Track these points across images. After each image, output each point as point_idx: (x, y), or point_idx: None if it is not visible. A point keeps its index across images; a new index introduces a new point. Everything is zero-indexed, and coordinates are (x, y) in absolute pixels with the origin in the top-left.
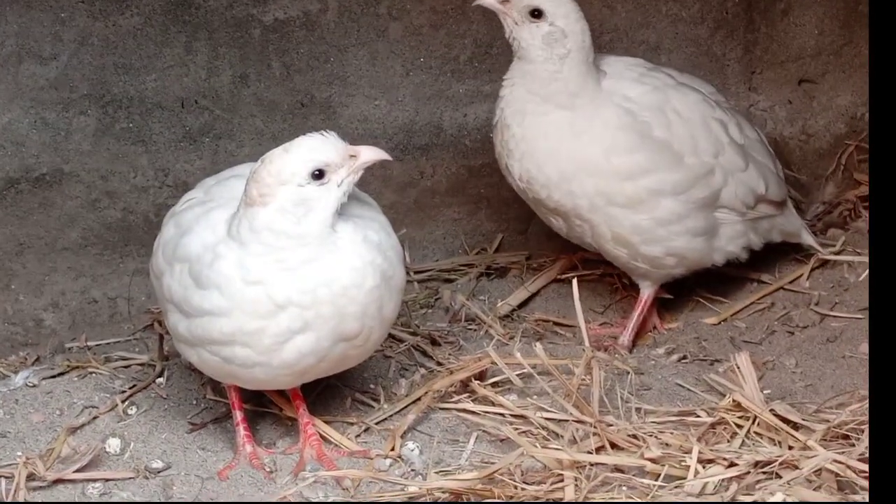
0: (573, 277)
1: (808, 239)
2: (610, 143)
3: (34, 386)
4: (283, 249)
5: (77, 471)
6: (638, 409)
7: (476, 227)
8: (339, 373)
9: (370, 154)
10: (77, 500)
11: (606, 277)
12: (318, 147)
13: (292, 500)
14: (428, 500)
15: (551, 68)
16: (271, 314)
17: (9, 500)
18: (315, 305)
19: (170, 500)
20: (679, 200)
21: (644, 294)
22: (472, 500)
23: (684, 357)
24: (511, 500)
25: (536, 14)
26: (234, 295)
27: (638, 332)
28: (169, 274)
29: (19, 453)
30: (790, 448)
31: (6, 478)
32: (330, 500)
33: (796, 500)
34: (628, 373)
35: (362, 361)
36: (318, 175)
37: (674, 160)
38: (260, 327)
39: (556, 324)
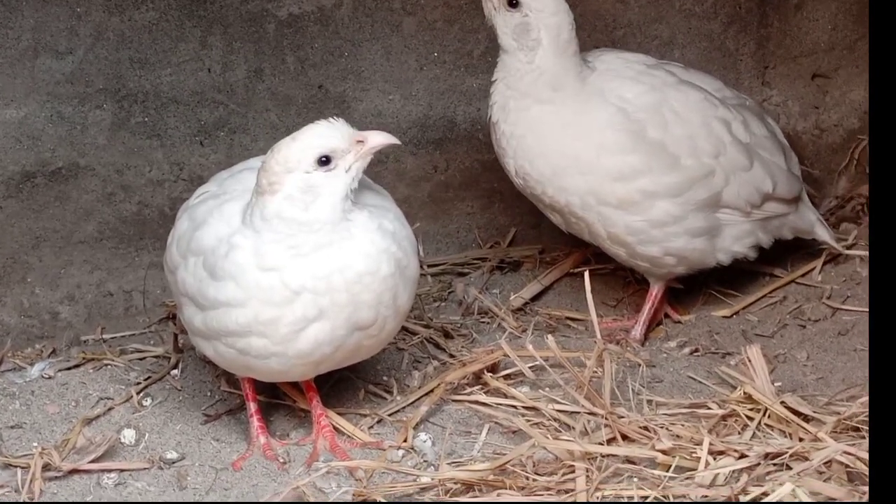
0: (585, 271)
1: (823, 234)
2: (600, 142)
3: (50, 378)
4: (294, 236)
5: (92, 461)
6: (649, 402)
7: (489, 220)
8: (352, 365)
9: (378, 139)
10: (92, 489)
11: (619, 271)
12: (323, 133)
13: (305, 490)
14: (440, 491)
15: (523, 58)
16: (287, 301)
17: (25, 489)
18: (329, 292)
19: (184, 490)
20: (676, 202)
21: (654, 288)
22: (484, 490)
23: (696, 350)
24: (523, 491)
25: (514, 3)
26: (248, 284)
27: (649, 325)
28: (183, 267)
29: (35, 444)
30: (800, 440)
31: (22, 468)
32: (343, 489)
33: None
34: (640, 365)
35: (376, 353)
36: (325, 161)
37: (669, 162)
38: (276, 316)
39: (568, 317)
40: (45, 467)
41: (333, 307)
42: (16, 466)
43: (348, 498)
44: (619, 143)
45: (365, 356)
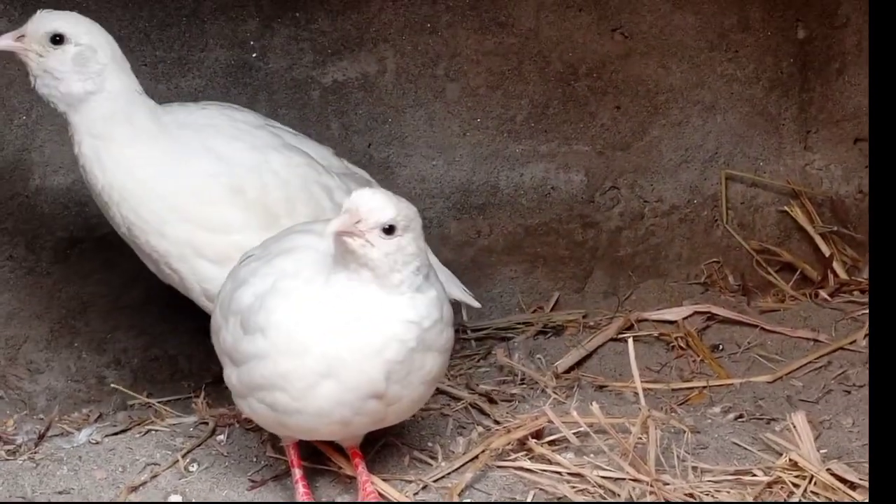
0: (629, 337)
1: (458, 294)
2: (200, 190)
3: (97, 443)
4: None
5: None
6: (694, 468)
7: (532, 285)
8: (396, 430)
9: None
10: None
11: (663, 337)
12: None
13: None
14: None
15: (90, 87)
16: (300, 353)
17: None
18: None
19: None
20: None
21: None
22: None
23: (741, 416)
24: None
25: (58, 39)
26: (271, 334)
27: None
28: (224, 328)
29: None
30: None
31: None
32: None
33: None
34: (685, 431)
35: (418, 419)
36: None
37: (269, 221)
38: (291, 367)
39: (612, 383)
40: None
41: (341, 368)
42: None
43: None
44: (218, 194)
45: (396, 421)
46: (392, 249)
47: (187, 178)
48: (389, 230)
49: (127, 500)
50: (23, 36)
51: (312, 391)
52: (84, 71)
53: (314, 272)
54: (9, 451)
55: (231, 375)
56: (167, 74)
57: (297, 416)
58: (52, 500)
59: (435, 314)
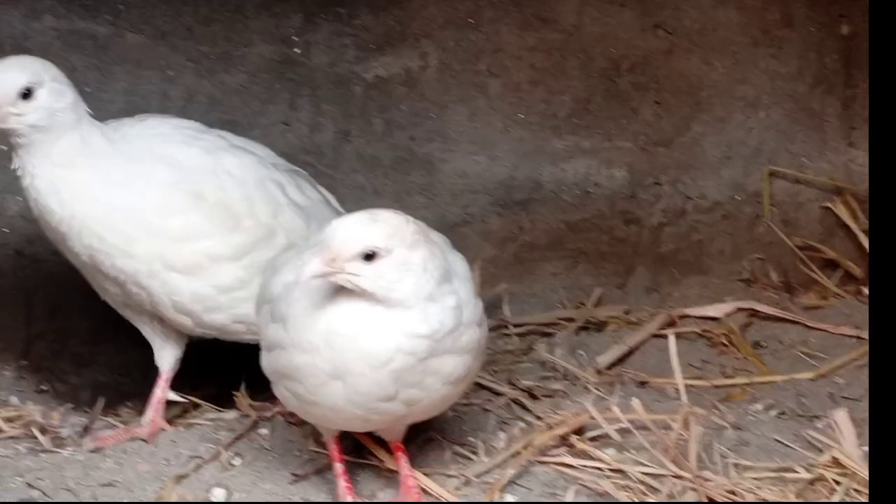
0: (671, 333)
1: None
2: (162, 202)
3: None
4: None
5: None
6: (736, 465)
7: (574, 281)
8: (438, 425)
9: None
10: None
11: (705, 333)
12: None
13: None
14: None
15: (64, 119)
16: (310, 351)
17: None
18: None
19: None
20: (241, 265)
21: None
22: None
23: (783, 413)
24: None
25: (27, 94)
26: (290, 327)
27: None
28: (260, 313)
29: (127, 501)
30: None
31: None
32: None
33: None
34: (726, 428)
35: (460, 414)
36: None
37: (232, 223)
38: (303, 363)
39: (653, 379)
40: None
41: (346, 372)
42: None
43: None
44: (181, 203)
45: (425, 417)
46: (379, 274)
47: (150, 192)
48: (370, 256)
49: (166, 502)
50: None
51: (324, 388)
52: (55, 106)
53: None
54: (55, 443)
55: (263, 360)
56: (210, 70)
57: (315, 408)
58: (97, 493)
59: (450, 323)
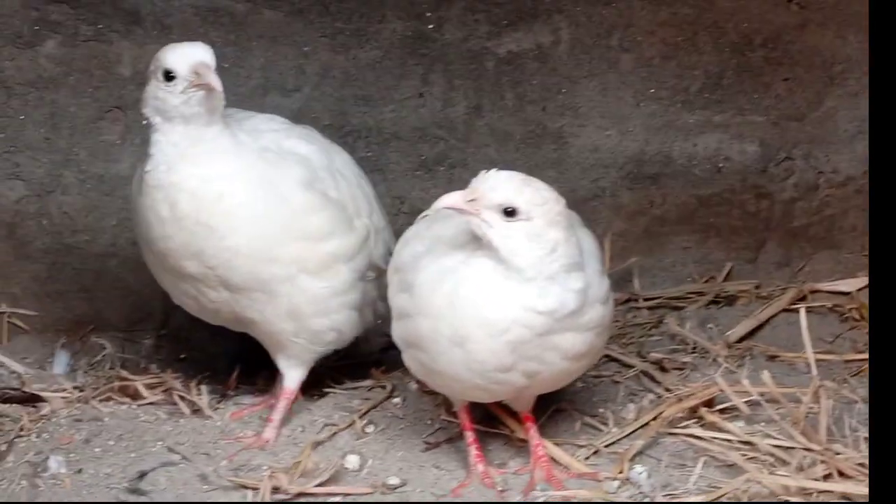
0: (801, 308)
1: None
2: (300, 201)
3: None
4: None
5: (318, 485)
6: (867, 439)
7: (705, 255)
8: (568, 395)
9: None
10: None
11: (836, 308)
12: None
13: None
14: None
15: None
16: (434, 318)
17: None
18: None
19: None
20: (350, 267)
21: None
22: None
23: None
24: None
25: (170, 77)
26: (415, 294)
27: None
28: (391, 283)
29: (265, 467)
30: None
31: (252, 489)
32: None
33: None
34: (857, 402)
35: (590, 385)
36: None
37: (347, 222)
38: (426, 330)
39: (783, 353)
40: (275, 490)
41: (467, 339)
42: (247, 488)
43: None
44: (316, 201)
45: (548, 390)
46: (510, 233)
47: (291, 192)
48: (510, 213)
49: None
50: None
51: (445, 356)
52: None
53: (464, 243)
54: (194, 410)
55: (394, 329)
56: (345, 46)
57: (438, 376)
58: (236, 458)
59: (572, 304)
